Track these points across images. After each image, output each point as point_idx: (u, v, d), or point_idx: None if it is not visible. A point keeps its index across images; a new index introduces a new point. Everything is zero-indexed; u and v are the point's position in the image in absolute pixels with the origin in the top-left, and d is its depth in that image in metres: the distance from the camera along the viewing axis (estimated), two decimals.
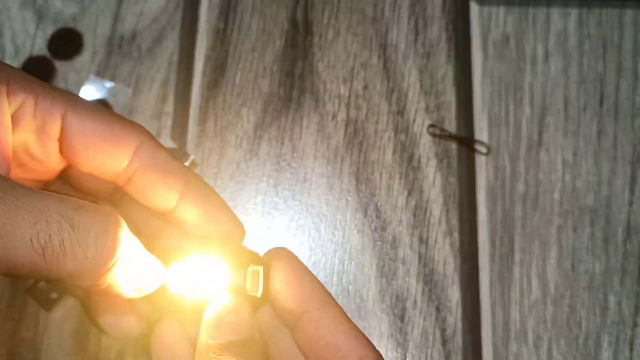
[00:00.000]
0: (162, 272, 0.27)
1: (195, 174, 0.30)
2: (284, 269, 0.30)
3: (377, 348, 0.30)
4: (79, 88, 0.41)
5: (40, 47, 0.42)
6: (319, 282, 0.30)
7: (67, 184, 0.32)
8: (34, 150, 0.28)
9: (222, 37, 0.42)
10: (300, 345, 0.30)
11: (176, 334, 0.30)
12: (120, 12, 0.42)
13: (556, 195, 0.40)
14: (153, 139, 0.29)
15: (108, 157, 0.28)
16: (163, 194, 0.29)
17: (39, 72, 0.41)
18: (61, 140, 0.28)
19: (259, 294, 0.29)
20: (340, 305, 0.30)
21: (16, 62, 0.41)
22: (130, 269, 0.25)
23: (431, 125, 0.41)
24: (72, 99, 0.27)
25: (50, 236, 0.23)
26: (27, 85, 0.27)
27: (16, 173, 0.28)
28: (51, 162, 0.29)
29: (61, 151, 0.28)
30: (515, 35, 0.42)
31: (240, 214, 0.39)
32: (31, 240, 0.23)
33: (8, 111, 0.26)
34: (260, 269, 0.29)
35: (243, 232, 0.30)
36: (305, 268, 0.30)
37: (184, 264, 0.28)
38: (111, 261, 0.24)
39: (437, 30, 0.42)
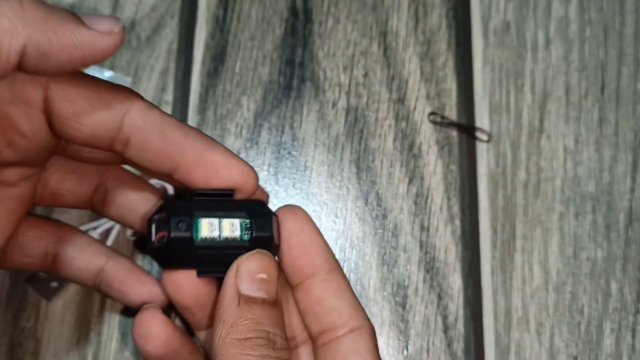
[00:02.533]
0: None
1: (192, 127, 0.29)
2: (296, 227, 0.30)
3: (378, 335, 0.30)
4: None
5: None
6: (329, 246, 0.30)
7: (62, 157, 0.31)
8: (21, 126, 0.27)
9: (221, 25, 0.42)
10: (301, 303, 0.30)
11: (160, 319, 0.30)
12: (119, 0, 0.42)
13: (557, 182, 0.40)
14: (144, 99, 0.28)
15: (99, 124, 0.27)
16: (165, 151, 0.28)
17: None
18: (47, 111, 0.27)
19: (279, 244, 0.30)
20: None
21: None
22: None
23: (432, 113, 0.41)
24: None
25: None
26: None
27: (6, 154, 0.28)
28: (41, 137, 0.28)
29: (50, 125, 0.27)
30: (516, 22, 0.42)
31: None
32: None
33: None
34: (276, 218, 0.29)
35: (255, 176, 0.29)
36: (317, 230, 0.30)
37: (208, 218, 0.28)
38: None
39: (437, 18, 0.42)
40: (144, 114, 0.27)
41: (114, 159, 0.30)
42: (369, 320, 0.30)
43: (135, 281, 0.33)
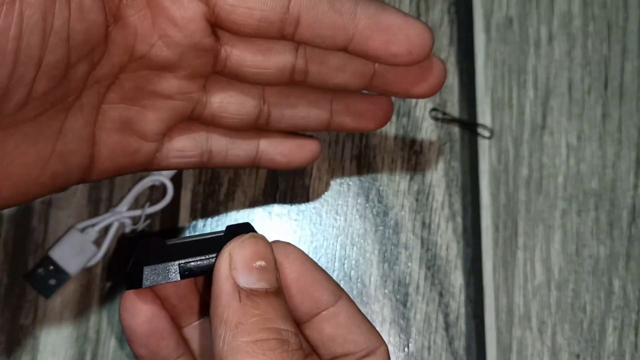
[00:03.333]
0: None
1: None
2: (293, 273, 0.27)
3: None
4: None
5: None
6: (329, 276, 0.28)
7: (222, 78, 0.31)
8: (172, 12, 0.27)
9: None
10: (311, 340, 0.28)
11: (147, 295, 0.28)
12: None
13: (560, 179, 0.39)
14: None
15: (269, 5, 0.27)
16: (338, 22, 0.27)
17: None
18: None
19: None
20: None
21: None
22: None
23: (433, 109, 0.40)
24: None
25: None
26: None
27: (159, 49, 0.28)
28: (195, 29, 0.28)
29: (215, 19, 0.28)
30: (519, 18, 0.41)
31: (241, 199, 0.39)
32: None
33: None
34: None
35: (431, 36, 0.29)
36: (313, 265, 0.28)
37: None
38: None
39: (439, 13, 0.42)
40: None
41: (277, 76, 0.30)
42: (382, 340, 0.28)
43: (296, 146, 0.34)
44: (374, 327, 0.29)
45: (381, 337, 0.29)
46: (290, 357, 0.23)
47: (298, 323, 0.28)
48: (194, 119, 0.31)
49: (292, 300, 0.27)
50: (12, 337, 0.37)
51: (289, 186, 0.39)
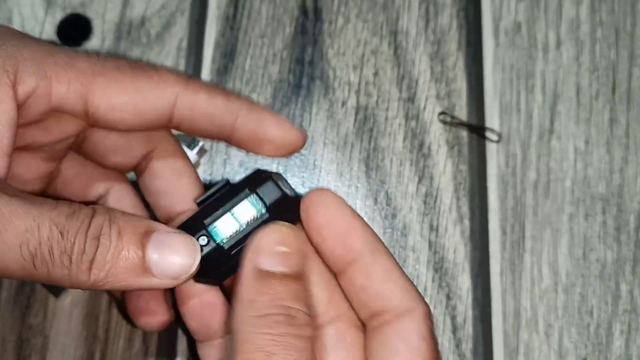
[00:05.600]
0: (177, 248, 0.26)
1: (239, 99, 0.28)
2: (327, 216, 0.28)
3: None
4: None
5: (49, 33, 0.41)
6: (367, 227, 0.28)
7: (81, 156, 0.30)
8: (43, 135, 0.27)
9: (231, 23, 0.42)
10: (347, 290, 0.28)
11: None
12: None
13: (568, 183, 0.40)
14: (187, 84, 0.27)
15: (146, 122, 0.27)
16: (215, 133, 0.28)
17: None
18: (89, 120, 0.27)
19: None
20: None
21: None
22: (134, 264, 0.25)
23: (442, 113, 0.40)
24: (91, 75, 0.26)
25: (40, 244, 0.23)
26: (39, 69, 0.25)
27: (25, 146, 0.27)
28: (65, 132, 0.28)
29: (92, 125, 0.27)
30: (527, 23, 0.42)
31: None
32: (20, 247, 0.23)
33: (13, 104, 0.25)
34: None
35: (304, 136, 0.29)
36: (351, 211, 0.28)
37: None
38: (101, 270, 0.24)
39: (448, 17, 0.42)
40: (190, 105, 0.27)
41: (134, 164, 0.30)
42: (421, 300, 0.27)
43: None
44: (413, 287, 0.28)
45: (422, 298, 0.27)
46: (296, 331, 0.24)
47: (334, 272, 0.28)
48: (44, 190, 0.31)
49: (324, 244, 0.28)
50: (22, 336, 0.37)
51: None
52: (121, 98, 0.26)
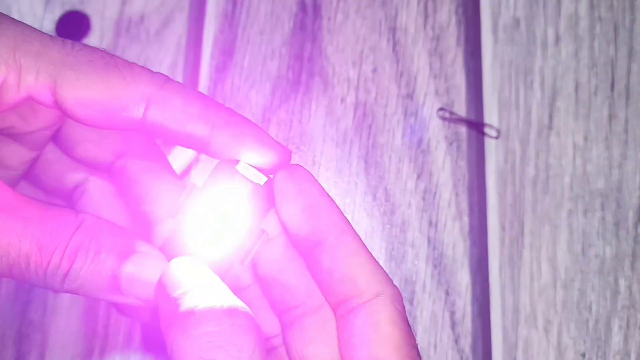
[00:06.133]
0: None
1: (218, 107, 0.27)
2: (297, 190, 0.26)
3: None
4: None
5: (48, 29, 0.41)
6: (336, 207, 0.27)
7: (57, 150, 0.30)
8: (22, 123, 0.27)
9: (230, 19, 0.42)
10: (314, 276, 0.27)
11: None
12: None
13: (566, 179, 0.40)
14: (163, 87, 0.26)
15: (115, 121, 0.26)
16: (191, 132, 0.26)
17: None
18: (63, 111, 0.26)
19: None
20: None
21: None
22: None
23: (441, 109, 0.40)
24: (61, 66, 0.25)
25: (18, 256, 0.24)
26: (10, 57, 0.24)
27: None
28: (43, 121, 0.28)
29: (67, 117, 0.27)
30: (526, 19, 0.42)
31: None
32: (1, 258, 0.24)
33: None
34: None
35: (285, 154, 0.27)
36: (321, 189, 0.27)
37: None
38: (73, 283, 0.25)
39: (446, 14, 0.42)
40: (163, 109, 0.26)
41: (108, 162, 0.30)
42: (390, 284, 0.26)
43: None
44: (381, 270, 0.26)
45: (390, 281, 0.26)
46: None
47: (302, 253, 0.27)
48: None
49: (290, 221, 0.27)
50: (22, 332, 0.37)
51: None
52: (87, 93, 0.25)
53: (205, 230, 0.27)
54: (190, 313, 0.23)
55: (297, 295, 0.28)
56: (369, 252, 0.27)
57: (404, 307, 0.26)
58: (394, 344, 0.25)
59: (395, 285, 0.26)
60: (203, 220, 0.27)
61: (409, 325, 0.26)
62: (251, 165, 0.27)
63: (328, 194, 0.27)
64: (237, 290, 0.28)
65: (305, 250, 0.27)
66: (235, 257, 0.27)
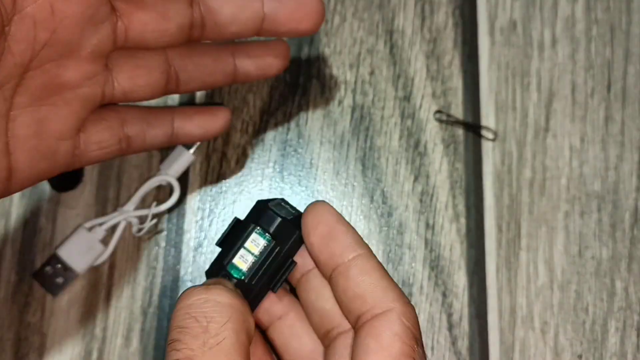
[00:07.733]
0: None
1: None
2: (317, 221, 0.29)
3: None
4: None
5: None
6: (354, 233, 0.29)
7: (124, 52, 0.31)
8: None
9: None
10: (336, 297, 0.29)
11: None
12: None
13: (563, 181, 0.40)
14: None
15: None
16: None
17: None
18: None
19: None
20: None
21: None
22: None
23: (438, 111, 0.41)
24: None
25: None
26: None
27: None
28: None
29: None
30: (523, 21, 0.42)
31: (247, 199, 0.39)
32: None
33: None
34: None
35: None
36: (338, 218, 0.29)
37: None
38: None
39: (443, 16, 0.42)
40: None
41: (177, 35, 0.31)
42: (403, 301, 0.27)
43: (209, 116, 0.36)
44: (393, 288, 0.28)
45: (404, 299, 0.27)
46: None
47: (326, 278, 0.30)
48: (107, 102, 0.31)
49: (312, 249, 0.29)
50: (20, 334, 0.37)
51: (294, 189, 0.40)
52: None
53: (241, 259, 0.30)
54: (185, 292, 0.27)
55: (332, 318, 0.29)
56: (384, 271, 0.28)
57: (415, 325, 0.27)
58: (394, 355, 0.26)
59: (409, 304, 0.27)
60: (239, 250, 0.30)
61: (416, 342, 0.27)
62: (286, 203, 0.32)
63: (347, 222, 0.29)
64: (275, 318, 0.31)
65: (328, 274, 0.29)
66: (268, 285, 0.30)
